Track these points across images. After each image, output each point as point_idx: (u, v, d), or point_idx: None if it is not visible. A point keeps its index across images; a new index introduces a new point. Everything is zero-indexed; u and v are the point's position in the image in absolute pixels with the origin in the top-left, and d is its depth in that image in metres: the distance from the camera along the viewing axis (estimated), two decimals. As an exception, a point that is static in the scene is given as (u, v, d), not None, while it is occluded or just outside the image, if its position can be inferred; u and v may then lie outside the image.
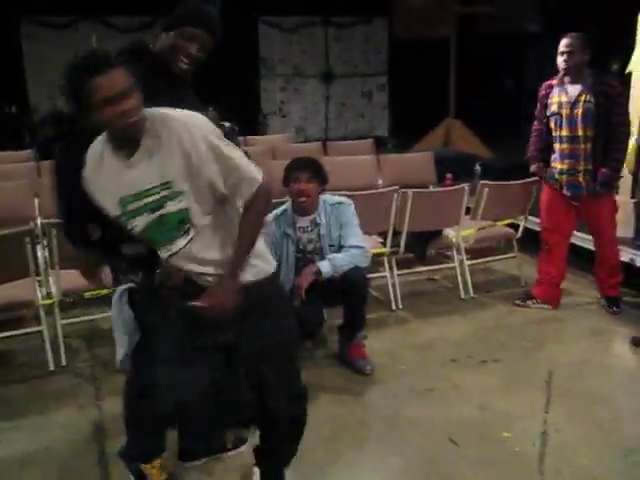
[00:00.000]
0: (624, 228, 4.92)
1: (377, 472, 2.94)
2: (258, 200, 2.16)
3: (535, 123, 4.56)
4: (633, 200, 4.95)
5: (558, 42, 4.22)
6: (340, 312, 3.84)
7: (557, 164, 4.40)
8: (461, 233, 4.88)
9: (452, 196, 4.78)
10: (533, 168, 4.57)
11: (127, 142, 2.06)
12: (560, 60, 4.21)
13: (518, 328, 4.37)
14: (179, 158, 2.04)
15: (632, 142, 4.82)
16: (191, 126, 2.05)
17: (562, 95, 4.28)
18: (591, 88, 4.17)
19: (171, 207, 2.10)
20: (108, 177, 2.12)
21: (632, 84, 4.87)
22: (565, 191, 4.40)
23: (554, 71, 4.33)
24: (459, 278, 4.92)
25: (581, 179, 4.30)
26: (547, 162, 4.48)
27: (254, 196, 2.14)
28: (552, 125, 4.37)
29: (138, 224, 2.15)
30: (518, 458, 2.99)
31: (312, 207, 3.73)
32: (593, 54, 4.20)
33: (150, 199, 2.09)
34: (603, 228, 4.48)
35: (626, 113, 4.26)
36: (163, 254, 2.20)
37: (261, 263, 2.31)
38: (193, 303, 2.13)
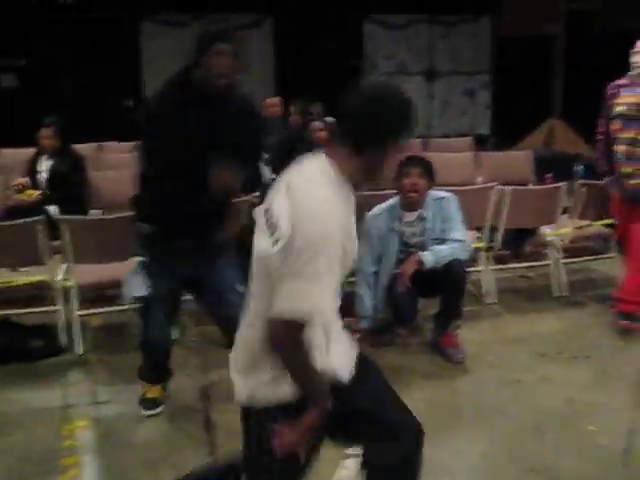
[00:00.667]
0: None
1: (462, 454, 3.07)
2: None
3: (599, 128, 4.41)
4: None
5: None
6: (434, 303, 4.00)
7: (622, 167, 4.22)
8: (558, 232, 4.91)
9: (549, 194, 4.81)
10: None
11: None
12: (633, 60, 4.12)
13: (611, 327, 4.37)
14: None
15: None
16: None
17: (632, 96, 4.15)
18: None
19: None
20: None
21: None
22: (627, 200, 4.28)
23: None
24: (553, 276, 4.96)
25: None
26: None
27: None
28: (617, 126, 4.21)
29: None
30: (602, 450, 3.05)
31: (419, 202, 3.86)
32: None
33: None
34: None
35: None
36: None
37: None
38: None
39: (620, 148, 4.20)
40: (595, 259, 5.32)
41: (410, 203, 3.86)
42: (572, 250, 5.12)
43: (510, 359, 3.94)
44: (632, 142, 4.12)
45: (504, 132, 10.55)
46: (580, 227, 5.03)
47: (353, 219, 1.90)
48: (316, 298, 1.74)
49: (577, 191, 4.87)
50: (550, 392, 3.56)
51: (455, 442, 3.15)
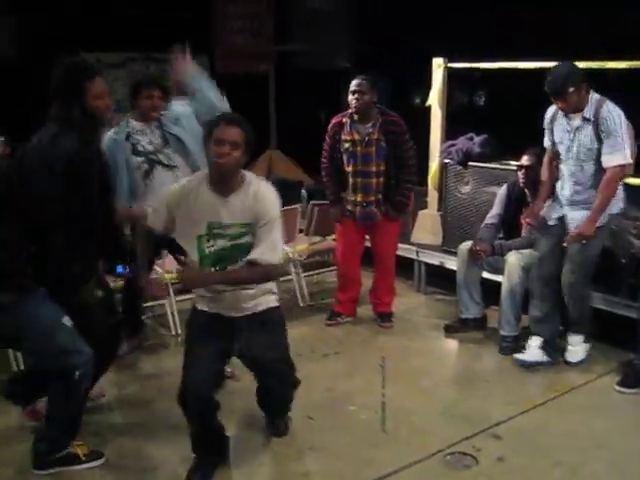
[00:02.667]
0: (434, 237, 5.83)
1: (249, 449, 3.42)
2: (258, 271, 2.95)
3: (324, 160, 4.96)
4: (439, 212, 5.83)
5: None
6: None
7: (350, 196, 4.86)
8: (296, 248, 5.50)
9: (287, 216, 5.35)
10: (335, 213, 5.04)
11: (224, 186, 2.91)
12: (351, 98, 4.69)
13: (350, 327, 5.04)
14: (255, 218, 2.92)
15: (435, 164, 5.75)
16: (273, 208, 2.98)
17: (354, 133, 4.72)
18: (381, 127, 4.69)
19: (245, 240, 2.94)
20: (203, 206, 2.93)
21: (432, 116, 5.75)
22: (359, 221, 4.90)
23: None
24: (297, 289, 5.54)
25: (374, 208, 4.85)
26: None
27: (260, 266, 2.93)
28: (345, 161, 4.79)
29: (216, 245, 2.96)
30: (364, 423, 3.63)
31: None
32: (399, 89, 4.96)
33: (234, 230, 2.94)
34: (390, 250, 5.10)
35: (412, 147, 4.87)
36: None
37: (273, 297, 3.22)
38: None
39: (351, 180, 4.82)
40: (329, 270, 6.00)
41: None
42: (310, 264, 5.76)
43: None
44: (363, 174, 4.78)
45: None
46: (313, 243, 5.67)
47: None
48: None
49: (310, 212, 5.49)
50: (312, 385, 4.04)
51: (237, 439, 3.48)
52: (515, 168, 4.88)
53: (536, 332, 4.38)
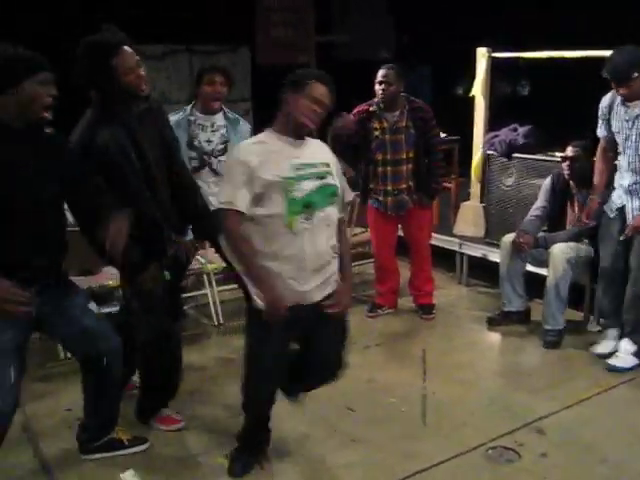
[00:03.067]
0: (476, 228, 5.77)
1: (286, 437, 3.44)
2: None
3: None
4: (482, 204, 5.77)
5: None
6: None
7: (380, 186, 4.80)
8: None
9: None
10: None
11: (299, 138, 2.82)
12: (378, 88, 4.62)
13: (391, 319, 5.03)
14: (331, 160, 2.90)
15: (478, 155, 5.68)
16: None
17: (383, 121, 4.69)
18: (409, 114, 4.67)
19: (330, 180, 2.80)
20: (282, 151, 2.77)
21: (475, 107, 5.68)
22: (391, 210, 4.84)
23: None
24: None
25: (406, 197, 4.81)
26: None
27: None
28: (373, 149, 4.74)
29: (305, 187, 2.72)
30: (404, 415, 3.62)
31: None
32: (441, 79, 4.92)
33: (317, 169, 2.79)
34: (423, 238, 5.06)
35: (439, 132, 4.92)
36: (318, 217, 2.77)
37: None
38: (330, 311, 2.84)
39: (380, 169, 4.77)
40: (368, 262, 5.97)
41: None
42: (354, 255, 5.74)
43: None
44: (393, 163, 4.74)
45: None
46: (355, 235, 5.66)
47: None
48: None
49: (352, 202, 5.46)
50: (352, 376, 4.01)
51: (278, 429, 3.50)
52: (559, 159, 4.79)
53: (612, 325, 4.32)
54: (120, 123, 2.99)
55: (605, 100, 4.16)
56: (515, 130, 5.45)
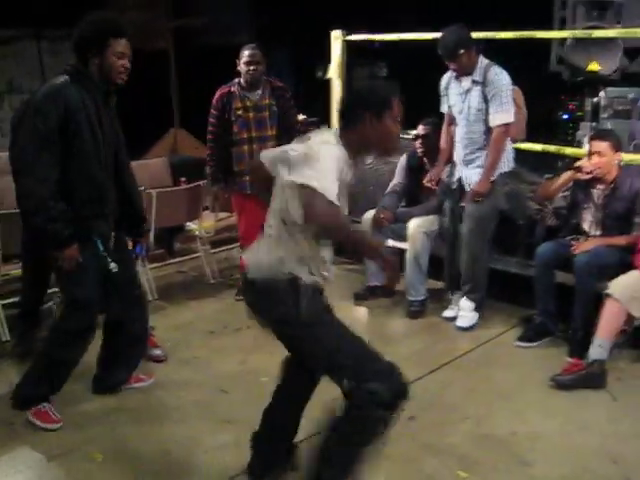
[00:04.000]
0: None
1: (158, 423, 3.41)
2: None
3: (211, 134, 4.90)
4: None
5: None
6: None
7: (247, 166, 4.65)
8: (203, 225, 5.46)
9: (191, 193, 5.33)
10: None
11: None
12: (246, 69, 4.66)
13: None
14: None
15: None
16: None
17: (245, 100, 4.74)
18: (271, 93, 4.80)
19: None
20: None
21: (332, 89, 5.80)
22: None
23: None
24: (205, 266, 5.51)
25: None
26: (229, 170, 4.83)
27: None
28: (236, 129, 4.75)
29: None
30: (277, 393, 3.66)
31: None
32: (301, 62, 4.99)
33: None
34: None
35: (297, 114, 5.11)
36: None
37: None
38: None
39: (246, 147, 4.77)
40: (237, 246, 5.98)
41: None
42: (218, 241, 5.74)
43: (184, 341, 4.36)
44: (259, 140, 4.75)
45: (132, 143, 10.83)
46: (221, 219, 5.64)
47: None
48: None
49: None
50: (225, 360, 4.07)
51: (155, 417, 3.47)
52: (413, 138, 4.99)
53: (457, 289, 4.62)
54: (91, 94, 3.15)
55: (444, 78, 4.49)
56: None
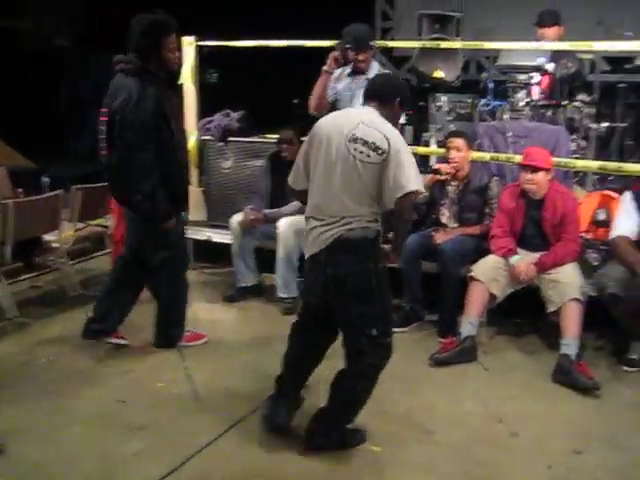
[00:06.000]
0: (197, 213, 5.94)
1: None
2: None
3: None
4: (201, 188, 5.96)
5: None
6: None
7: None
8: (62, 236, 5.27)
9: (49, 203, 5.12)
10: None
11: None
12: None
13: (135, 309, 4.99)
14: None
15: (192, 140, 5.85)
16: None
17: None
18: None
19: None
20: None
21: (184, 94, 5.83)
22: None
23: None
24: (65, 278, 5.33)
25: None
26: None
27: None
28: None
29: None
30: (178, 397, 3.71)
31: None
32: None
33: None
34: None
35: None
36: None
37: None
38: None
39: None
40: (95, 256, 5.83)
41: None
42: (77, 251, 5.56)
43: (62, 356, 4.21)
44: None
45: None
46: (78, 229, 5.48)
47: None
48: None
49: (73, 196, 5.28)
50: (110, 370, 4.01)
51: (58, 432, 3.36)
52: (275, 141, 5.19)
53: None
54: (157, 90, 3.69)
55: (337, 71, 4.63)
56: (228, 115, 5.74)
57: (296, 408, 3.33)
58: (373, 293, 2.98)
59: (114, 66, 3.77)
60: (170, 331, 4.25)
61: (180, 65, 4.00)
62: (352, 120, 3.01)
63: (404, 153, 2.94)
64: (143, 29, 3.68)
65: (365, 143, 2.92)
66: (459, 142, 4.49)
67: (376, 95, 3.12)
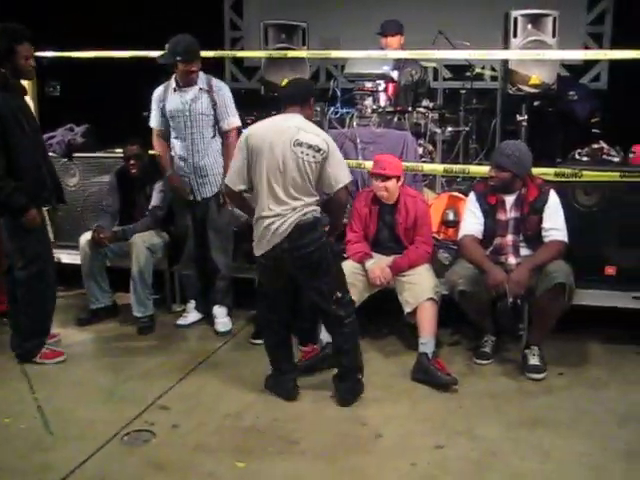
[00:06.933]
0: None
1: None
2: None
3: None
4: (45, 208, 5.58)
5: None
6: None
7: None
8: None
9: None
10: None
11: None
12: None
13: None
14: None
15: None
16: None
17: None
18: None
19: None
20: None
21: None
22: None
23: None
24: None
25: None
26: None
27: None
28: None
29: None
30: (27, 431, 3.43)
31: None
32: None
33: None
34: None
35: None
36: None
37: None
38: None
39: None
40: None
41: None
42: None
43: None
44: None
45: None
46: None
47: None
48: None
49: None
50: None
51: None
52: (122, 156, 4.99)
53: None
54: (13, 95, 3.87)
55: (157, 91, 4.56)
56: (72, 130, 5.47)
57: (296, 374, 3.82)
58: (331, 263, 3.59)
59: None
60: (26, 342, 4.18)
61: (33, 75, 3.98)
62: (289, 127, 3.52)
63: (337, 152, 3.60)
64: None
65: (310, 147, 3.47)
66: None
67: (296, 101, 3.62)
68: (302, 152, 3.47)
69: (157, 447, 3.27)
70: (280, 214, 3.48)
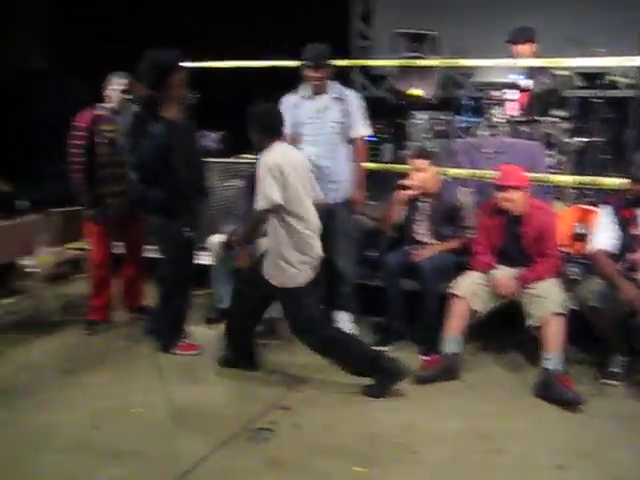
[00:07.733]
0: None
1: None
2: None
3: (79, 158, 4.67)
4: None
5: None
6: None
7: (108, 188, 4.76)
8: (39, 260, 5.19)
9: (23, 227, 5.07)
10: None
11: None
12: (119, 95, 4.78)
13: (110, 333, 4.93)
14: None
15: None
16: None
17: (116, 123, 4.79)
18: None
19: None
20: None
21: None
22: (115, 215, 4.83)
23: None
24: (43, 303, 5.24)
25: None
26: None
27: None
28: (105, 151, 4.73)
29: None
30: (157, 421, 3.63)
31: None
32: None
33: None
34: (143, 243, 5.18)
35: None
36: None
37: None
38: None
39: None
40: (73, 280, 5.75)
41: None
42: (55, 275, 5.47)
43: (37, 382, 4.12)
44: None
45: None
46: (57, 253, 5.39)
47: None
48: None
49: (49, 220, 5.21)
50: (87, 396, 3.92)
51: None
52: (252, 161, 5.15)
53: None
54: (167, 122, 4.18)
55: (289, 98, 4.64)
56: (204, 136, 5.72)
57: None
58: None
59: None
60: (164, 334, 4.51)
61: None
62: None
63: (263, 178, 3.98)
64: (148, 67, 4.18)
65: None
66: (419, 163, 4.52)
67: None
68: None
69: (277, 446, 3.37)
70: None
